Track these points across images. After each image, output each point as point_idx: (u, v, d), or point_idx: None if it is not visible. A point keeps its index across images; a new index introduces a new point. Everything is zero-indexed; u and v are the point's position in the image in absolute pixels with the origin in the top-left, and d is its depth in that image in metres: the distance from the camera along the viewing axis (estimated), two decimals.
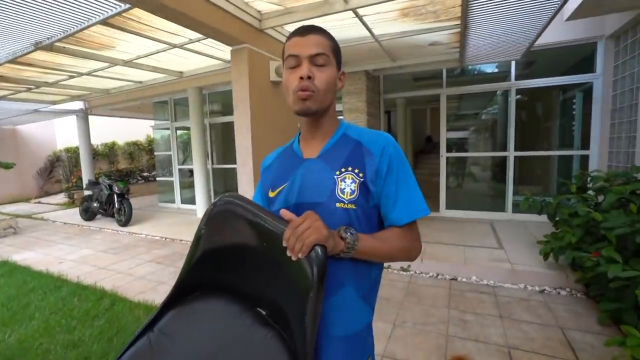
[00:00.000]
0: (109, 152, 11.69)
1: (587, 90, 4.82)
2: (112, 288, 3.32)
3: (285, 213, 0.72)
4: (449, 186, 5.73)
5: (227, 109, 7.13)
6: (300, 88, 0.79)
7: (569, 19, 3.69)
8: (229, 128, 7.15)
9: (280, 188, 0.88)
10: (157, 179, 8.39)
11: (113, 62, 4.25)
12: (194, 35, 3.33)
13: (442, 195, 5.57)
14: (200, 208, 6.53)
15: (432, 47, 4.21)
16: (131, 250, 4.69)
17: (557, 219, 3.29)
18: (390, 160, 0.82)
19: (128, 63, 4.33)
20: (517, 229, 4.48)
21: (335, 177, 0.81)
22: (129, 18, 2.86)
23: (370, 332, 0.89)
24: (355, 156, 0.83)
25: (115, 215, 6.09)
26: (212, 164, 7.10)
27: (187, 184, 7.72)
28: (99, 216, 6.75)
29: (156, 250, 4.61)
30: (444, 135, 5.54)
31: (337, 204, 0.79)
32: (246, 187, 3.17)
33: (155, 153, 8.51)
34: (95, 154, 10.76)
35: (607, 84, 4.43)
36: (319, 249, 0.65)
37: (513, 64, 4.95)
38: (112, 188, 6.11)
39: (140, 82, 5.83)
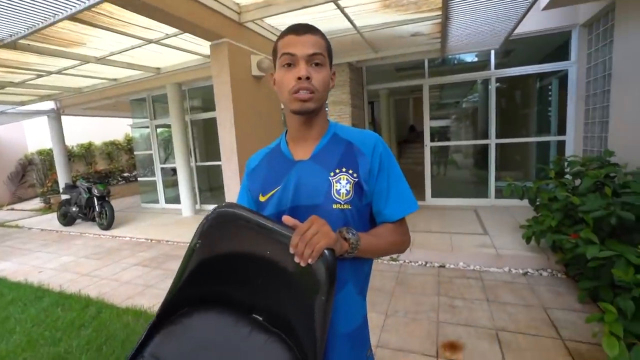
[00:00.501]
0: (85, 153, 11.25)
1: (562, 78, 4.97)
2: (98, 295, 3.22)
3: (288, 219, 0.70)
4: (434, 175, 5.84)
5: (209, 105, 6.97)
6: (300, 88, 0.78)
7: (545, 8, 3.77)
8: (211, 124, 7.00)
9: (272, 192, 0.86)
10: (139, 179, 8.16)
11: (84, 60, 4.06)
12: (171, 30, 3.20)
13: (427, 184, 5.67)
14: (185, 207, 6.41)
15: (414, 37, 4.23)
16: (115, 254, 4.56)
17: (538, 203, 3.41)
18: (381, 159, 0.84)
19: (101, 60, 4.14)
20: (500, 214, 4.62)
21: (330, 178, 0.81)
22: (98, 13, 2.72)
23: (367, 324, 0.92)
24: (348, 157, 0.84)
25: (97, 219, 5.89)
26: (196, 161, 6.95)
27: (171, 182, 7.55)
28: (78, 221, 6.51)
29: (142, 253, 4.50)
30: (427, 125, 5.61)
31: (334, 205, 0.80)
32: (232, 184, 3.12)
33: (135, 152, 8.25)
34: (71, 156, 10.33)
35: (581, 71, 4.58)
36: (328, 253, 0.64)
37: (492, 53, 5.03)
38: (91, 191, 5.89)
39: (115, 79, 5.60)
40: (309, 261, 0.62)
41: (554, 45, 5.08)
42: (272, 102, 3.70)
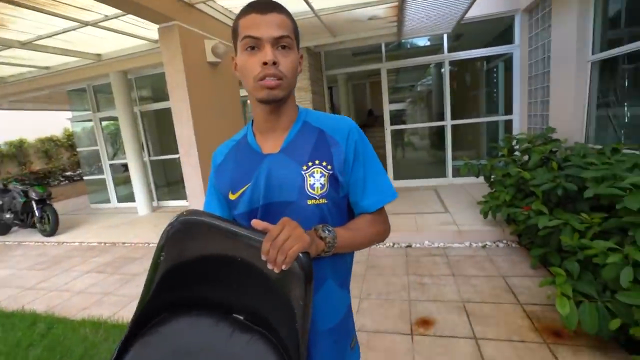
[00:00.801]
0: (17, 152, 10.02)
1: (508, 60, 5.29)
2: (47, 309, 2.92)
3: (257, 223, 0.65)
4: (395, 158, 6.00)
5: (160, 95, 6.48)
6: (266, 75, 0.70)
7: None
8: (163, 115, 6.54)
9: (242, 189, 0.80)
10: (85, 177, 7.45)
11: (5, 44, 3.52)
12: (110, 10, 2.87)
13: (389, 167, 5.82)
14: (141, 205, 6.00)
15: (371, 21, 4.22)
16: (64, 262, 4.15)
17: (492, 179, 3.65)
18: (356, 147, 0.79)
19: (26, 45, 3.62)
20: (458, 192, 4.89)
21: (303, 172, 0.76)
22: None
23: (350, 314, 0.90)
24: (321, 147, 0.78)
25: (37, 225, 5.31)
26: (149, 155, 6.49)
27: (122, 179, 7.00)
28: (15, 228, 5.84)
29: (95, 259, 4.15)
30: (387, 109, 5.71)
31: (309, 201, 0.75)
32: (192, 179, 2.95)
33: (77, 149, 7.49)
34: None
35: (524, 54, 4.90)
36: (302, 257, 0.61)
37: (445, 37, 5.20)
38: (28, 194, 5.27)
39: (47, 67, 4.97)
40: (282, 267, 0.58)
41: (499, 30, 5.37)
42: (231, 90, 3.51)
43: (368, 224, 0.81)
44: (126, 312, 2.75)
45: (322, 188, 0.75)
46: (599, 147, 2.88)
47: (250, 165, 0.80)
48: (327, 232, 0.71)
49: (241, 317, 0.72)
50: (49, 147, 10.82)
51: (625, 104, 2.95)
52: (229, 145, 0.89)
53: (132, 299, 2.94)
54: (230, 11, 3.40)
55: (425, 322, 2.20)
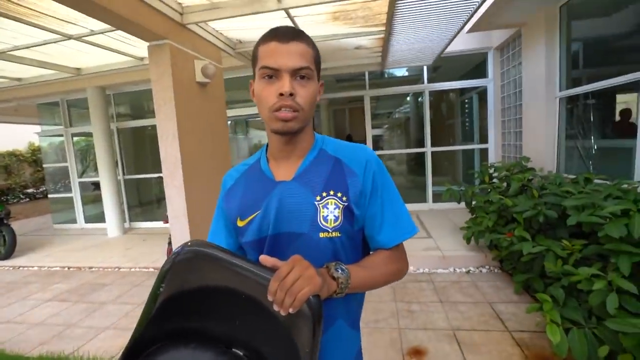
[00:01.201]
0: None
1: (481, 93, 5.64)
2: None
3: (266, 260, 0.61)
4: None
5: (138, 112, 6.30)
6: (282, 106, 0.68)
7: (469, 31, 4.24)
8: (141, 133, 6.34)
9: (251, 217, 0.76)
10: (49, 195, 6.95)
11: None
12: (97, 25, 2.80)
13: None
14: (111, 226, 5.64)
15: (357, 50, 4.39)
16: (19, 289, 3.76)
17: (473, 205, 3.76)
18: (374, 178, 0.76)
19: (0, 55, 3.43)
20: (439, 217, 4.98)
21: (316, 203, 0.72)
22: None
23: (361, 357, 0.85)
24: (336, 177, 0.75)
25: None
26: (123, 174, 6.19)
27: (91, 198, 6.60)
28: None
29: (57, 285, 3.80)
30: (370, 134, 5.84)
31: (321, 234, 0.72)
32: (176, 201, 2.82)
33: (44, 165, 7.03)
34: None
35: (497, 88, 5.25)
36: (312, 299, 0.58)
37: (425, 68, 5.48)
38: None
39: (19, 79, 4.71)
40: (290, 311, 0.54)
41: (474, 64, 5.76)
42: (219, 111, 3.47)
43: (385, 261, 0.76)
44: (92, 347, 2.49)
45: (335, 220, 0.72)
46: (572, 176, 3.07)
47: (261, 192, 0.76)
48: (340, 271, 0.66)
49: (241, 353, 0.66)
50: (9, 161, 10.09)
51: (592, 136, 3.18)
52: (240, 169, 0.85)
53: (99, 331, 2.68)
54: (221, 33, 3.42)
55: (418, 352, 2.15)
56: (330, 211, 0.71)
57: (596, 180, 2.67)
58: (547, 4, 3.42)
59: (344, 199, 0.72)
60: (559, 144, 3.65)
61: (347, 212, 0.72)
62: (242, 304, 0.62)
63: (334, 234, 0.71)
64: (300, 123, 0.70)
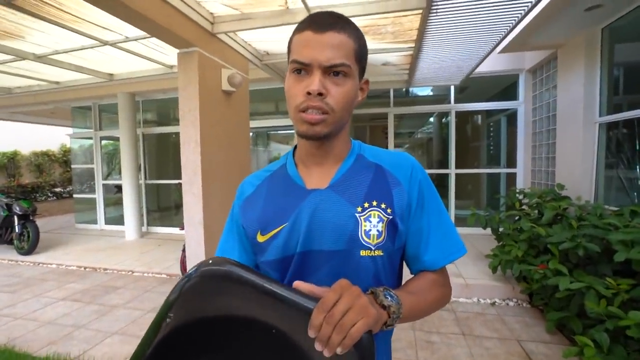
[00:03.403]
0: (8, 164, 9.77)
1: (511, 115, 5.44)
2: (7, 341, 2.58)
3: (301, 286, 0.50)
4: None
5: (164, 119, 6.48)
6: (309, 107, 0.59)
7: (501, 52, 4.12)
8: (164, 140, 6.49)
9: (275, 230, 0.65)
10: (75, 195, 7.18)
11: (20, 56, 3.50)
12: (132, 32, 2.89)
13: None
14: (129, 229, 5.71)
15: (384, 67, 4.34)
16: (36, 286, 3.81)
17: (500, 232, 3.53)
18: (420, 188, 0.66)
19: (41, 58, 3.61)
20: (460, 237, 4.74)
21: (357, 215, 0.62)
22: (45, 2, 2.34)
23: None
24: (380, 186, 0.65)
25: (15, 241, 4.96)
26: (145, 178, 6.32)
27: (113, 201, 6.75)
28: None
29: (72, 284, 3.82)
30: None
31: (363, 252, 0.61)
32: (193, 208, 2.79)
33: (72, 165, 7.30)
34: None
35: (527, 111, 5.04)
36: (365, 339, 0.46)
37: (452, 88, 5.37)
38: (11, 208, 4.99)
39: (57, 82, 4.96)
40: (337, 351, 0.43)
41: (503, 86, 5.59)
42: (242, 121, 3.48)
43: (431, 285, 0.65)
44: (97, 352, 2.43)
45: (379, 236, 0.61)
46: (613, 208, 2.83)
47: (289, 202, 0.66)
48: (390, 298, 0.54)
49: None
50: (42, 161, 10.59)
51: (638, 166, 2.94)
52: (261, 175, 0.75)
53: (106, 336, 2.62)
54: (249, 44, 3.47)
55: None
56: (373, 225, 0.61)
57: None
58: (588, 27, 3.27)
59: (389, 211, 0.63)
60: (598, 172, 3.41)
61: (391, 227, 0.62)
62: (269, 340, 0.49)
63: (376, 252, 0.61)
64: (328, 127, 0.61)
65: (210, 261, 0.53)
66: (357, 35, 0.62)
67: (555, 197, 3.31)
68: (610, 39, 3.24)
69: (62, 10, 2.45)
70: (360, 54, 0.63)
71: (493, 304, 3.09)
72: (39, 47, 3.40)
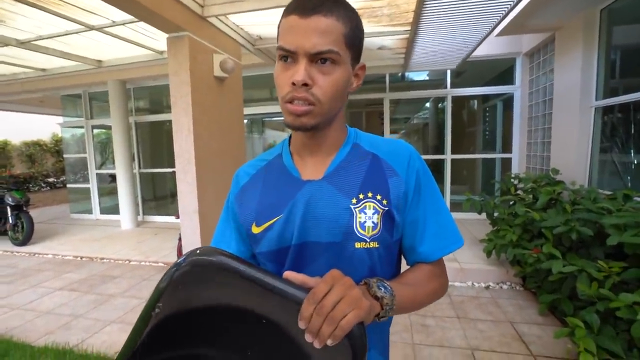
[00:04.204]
0: None
1: (506, 100, 5.41)
2: (4, 331, 2.59)
3: (293, 276, 0.48)
4: None
5: (157, 107, 6.36)
6: (294, 98, 0.56)
7: (499, 35, 4.05)
8: (158, 127, 6.40)
9: (270, 222, 0.64)
10: (68, 185, 7.10)
11: (1, 42, 3.38)
12: (119, 16, 2.79)
13: None
14: (125, 218, 5.69)
15: (380, 51, 4.26)
16: (32, 276, 3.80)
17: (495, 217, 3.56)
18: (417, 177, 0.64)
19: (24, 44, 3.49)
20: (458, 228, 4.78)
21: (352, 206, 0.60)
22: None
23: None
24: (375, 176, 0.63)
25: (9, 232, 4.93)
26: (139, 167, 6.25)
27: (107, 190, 6.70)
28: None
29: (69, 274, 3.82)
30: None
31: (357, 244, 0.60)
32: (188, 197, 2.76)
33: (64, 155, 7.19)
34: None
35: (524, 95, 5.01)
36: (357, 330, 0.45)
37: (448, 72, 5.30)
38: (4, 199, 4.93)
39: (44, 69, 4.81)
40: (328, 342, 0.43)
41: (499, 70, 5.53)
42: (236, 107, 3.41)
43: (427, 277, 0.64)
44: (96, 340, 2.45)
45: (374, 228, 0.60)
46: (607, 192, 2.85)
47: (284, 193, 0.64)
48: (383, 290, 0.53)
49: None
50: (34, 151, 10.42)
51: (632, 150, 2.95)
52: (256, 165, 0.73)
53: (105, 324, 2.64)
54: (241, 28, 3.37)
55: None
56: (368, 217, 0.60)
57: (636, 198, 2.45)
58: (586, 8, 3.21)
59: (385, 202, 0.61)
60: (592, 156, 3.42)
61: (387, 218, 0.61)
62: (260, 330, 0.49)
63: (372, 244, 0.60)
64: (315, 119, 0.57)
65: (199, 251, 0.51)
66: (349, 18, 0.58)
67: (550, 182, 3.32)
68: (609, 20, 3.19)
69: None
70: (352, 38, 0.59)
71: (487, 287, 3.14)
72: (21, 32, 3.28)
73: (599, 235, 2.27)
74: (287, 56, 0.56)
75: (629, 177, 2.96)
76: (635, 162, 2.92)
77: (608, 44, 3.23)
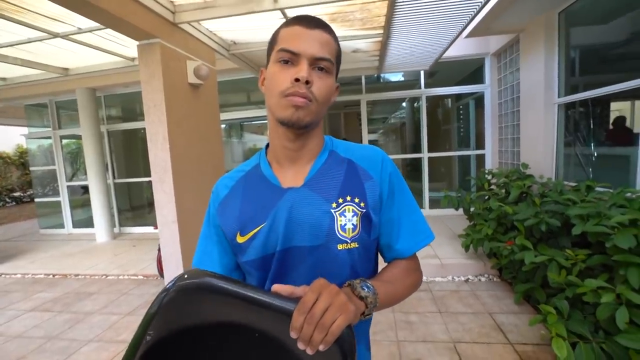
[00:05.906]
0: None
1: (479, 98, 5.62)
2: None
3: (280, 289, 0.51)
4: None
5: (130, 115, 6.17)
6: (295, 92, 0.60)
7: (467, 36, 4.20)
8: (132, 136, 6.21)
9: (254, 231, 0.66)
10: (36, 199, 6.75)
11: None
12: (85, 23, 2.69)
13: None
14: (100, 231, 5.47)
15: (354, 54, 4.32)
16: None
17: (472, 212, 3.69)
18: (390, 180, 0.70)
19: None
20: (437, 224, 4.91)
21: (333, 210, 0.64)
22: None
23: None
24: (352, 181, 0.68)
25: None
26: (113, 177, 6.03)
27: (80, 202, 6.42)
28: None
29: (40, 294, 3.63)
30: (366, 139, 5.77)
31: (339, 246, 0.64)
32: (166, 207, 2.70)
33: (31, 168, 6.83)
34: None
35: (494, 93, 5.23)
36: (346, 334, 0.48)
37: (422, 73, 5.45)
38: None
39: (4, 79, 4.56)
40: (320, 348, 0.45)
41: (470, 70, 5.74)
42: (212, 114, 3.37)
43: (403, 273, 0.69)
44: None
45: (354, 230, 0.64)
46: (572, 183, 3.02)
47: (266, 202, 0.67)
48: (366, 289, 0.57)
49: None
50: None
51: (591, 143, 3.14)
52: (235, 176, 0.75)
53: (82, 344, 2.53)
54: (215, 34, 3.33)
55: None
56: (348, 219, 0.64)
57: (597, 188, 2.62)
58: (546, 11, 3.40)
59: (362, 204, 0.66)
60: (558, 150, 3.61)
61: (365, 219, 0.66)
62: (255, 342, 0.51)
63: (352, 244, 0.65)
64: (311, 115, 0.63)
65: (186, 275, 0.53)
66: (338, 41, 0.68)
67: (520, 176, 3.48)
68: (567, 22, 3.38)
69: (3, 0, 2.23)
70: (338, 57, 0.68)
71: (467, 280, 3.25)
72: None
73: (566, 225, 2.40)
74: (288, 59, 0.61)
75: (590, 169, 3.15)
76: (596, 154, 3.12)
77: (567, 44, 3.43)
